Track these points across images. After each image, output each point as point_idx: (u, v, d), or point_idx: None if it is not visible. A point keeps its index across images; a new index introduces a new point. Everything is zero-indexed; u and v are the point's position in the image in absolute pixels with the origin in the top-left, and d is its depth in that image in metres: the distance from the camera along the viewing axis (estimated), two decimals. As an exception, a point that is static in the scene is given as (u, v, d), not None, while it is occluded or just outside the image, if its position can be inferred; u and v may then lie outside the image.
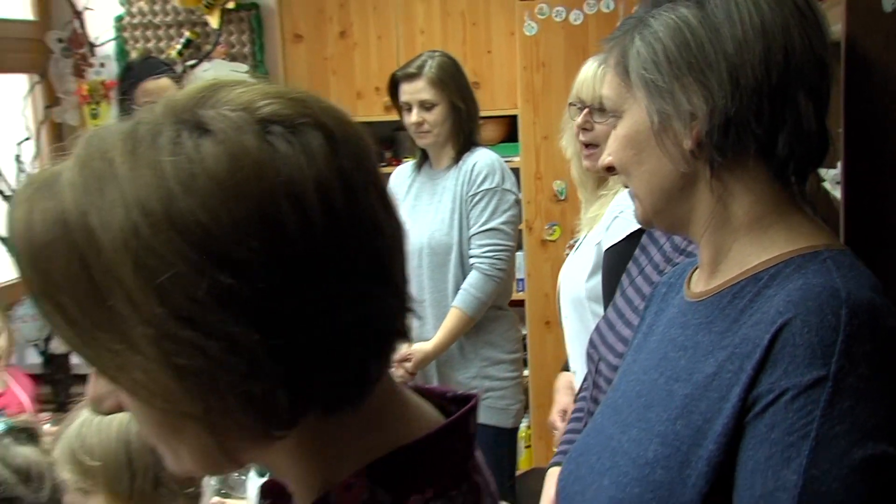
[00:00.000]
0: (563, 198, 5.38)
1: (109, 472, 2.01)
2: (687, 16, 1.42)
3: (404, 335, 0.99)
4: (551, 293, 5.22)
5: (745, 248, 1.46)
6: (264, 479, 1.17)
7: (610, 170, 1.56)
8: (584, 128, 2.93)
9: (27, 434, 1.83)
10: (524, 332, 5.12)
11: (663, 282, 1.73)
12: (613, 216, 2.83)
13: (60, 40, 5.86)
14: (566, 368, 3.21)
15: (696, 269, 1.58)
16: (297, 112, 0.92)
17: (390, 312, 0.97)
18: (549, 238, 5.39)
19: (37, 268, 0.92)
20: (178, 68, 5.56)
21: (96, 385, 1.01)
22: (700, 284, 1.54)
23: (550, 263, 5.36)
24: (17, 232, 0.93)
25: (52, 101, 5.93)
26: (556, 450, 2.65)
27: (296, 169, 0.89)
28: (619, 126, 1.51)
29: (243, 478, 3.31)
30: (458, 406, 1.06)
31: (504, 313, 4.13)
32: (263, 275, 0.87)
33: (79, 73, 5.88)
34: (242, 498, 3.27)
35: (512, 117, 5.49)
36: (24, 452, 1.78)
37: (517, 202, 4.15)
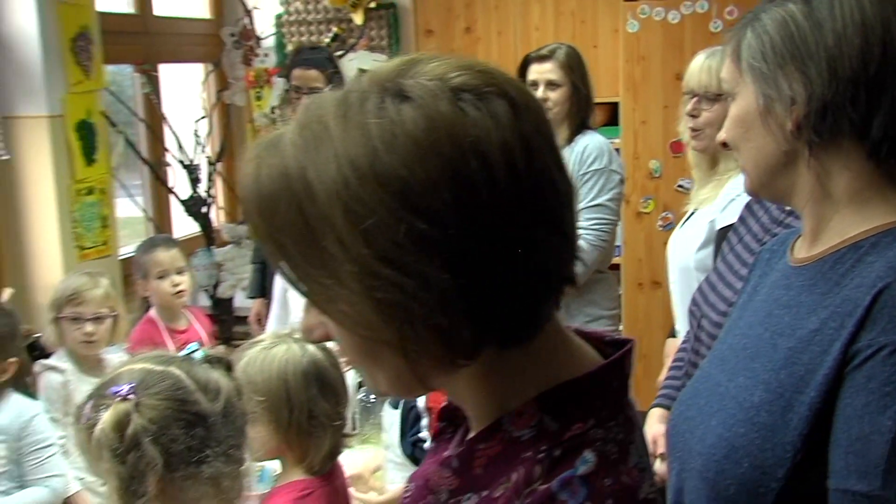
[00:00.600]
0: (657, 175, 5.40)
1: (271, 405, 2.04)
2: (794, 11, 1.42)
3: (572, 280, 0.99)
4: (644, 258, 5.35)
5: (845, 219, 1.45)
6: (444, 405, 1.18)
7: (725, 146, 1.57)
8: (691, 114, 2.91)
9: (222, 364, 1.78)
10: (620, 291, 5.13)
11: (766, 248, 1.71)
12: (730, 199, 2.80)
13: (232, 35, 6.01)
14: (672, 335, 3.15)
15: (799, 237, 1.56)
16: (483, 82, 0.93)
17: (561, 259, 0.97)
18: (643, 210, 5.41)
19: (263, 215, 0.95)
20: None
21: (308, 318, 1.06)
22: (803, 251, 1.52)
23: (644, 233, 5.43)
24: (247, 185, 0.97)
25: (223, 85, 6.09)
26: (657, 393, 2.64)
27: (483, 131, 0.90)
28: (732, 107, 1.51)
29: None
30: (614, 348, 1.05)
31: (604, 276, 4.13)
32: (453, 222, 0.88)
33: (247, 61, 6.01)
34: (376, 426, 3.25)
35: (614, 104, 5.46)
36: (213, 374, 1.73)
37: (622, 181, 4.12)
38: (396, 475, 2.89)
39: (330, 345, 2.69)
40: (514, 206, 0.90)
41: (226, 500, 1.69)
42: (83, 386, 3.18)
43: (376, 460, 3.01)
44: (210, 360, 1.74)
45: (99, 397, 1.66)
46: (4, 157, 4.27)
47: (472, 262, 0.89)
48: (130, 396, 1.61)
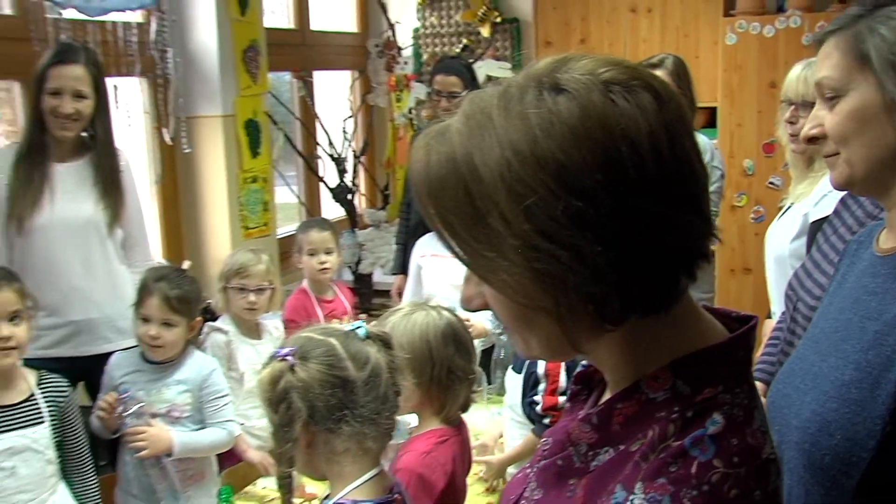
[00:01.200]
0: (750, 173, 5.40)
1: (415, 362, 2.02)
2: None
3: (706, 255, 0.96)
4: (737, 247, 5.36)
5: None
6: (578, 369, 1.16)
7: (811, 141, 1.49)
8: (790, 121, 2.86)
9: (382, 341, 1.76)
10: (715, 275, 5.09)
11: (854, 240, 1.65)
12: (822, 194, 2.77)
13: (377, 45, 6.15)
14: (769, 316, 3.08)
15: (884, 229, 1.50)
16: (630, 76, 0.92)
17: (699, 235, 0.95)
18: (737, 204, 5.41)
19: (432, 196, 0.95)
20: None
21: (467, 289, 1.05)
22: (889, 242, 1.47)
23: (737, 225, 5.44)
24: (417, 170, 0.96)
25: (368, 89, 6.22)
26: (754, 368, 2.49)
27: (632, 120, 0.89)
28: (841, 102, 1.40)
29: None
30: (738, 323, 1.03)
31: (704, 262, 4.15)
32: (605, 201, 0.87)
33: (388, 68, 6.11)
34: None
35: (712, 108, 5.45)
36: (367, 348, 1.71)
37: (722, 176, 4.10)
38: (515, 432, 2.95)
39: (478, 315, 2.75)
40: (659, 186, 0.89)
41: (368, 457, 1.71)
42: (242, 346, 3.37)
43: (498, 427, 3.09)
44: (371, 336, 1.74)
45: (271, 357, 1.72)
46: (186, 150, 4.46)
47: (622, 236, 0.88)
48: (288, 358, 1.66)
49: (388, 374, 1.72)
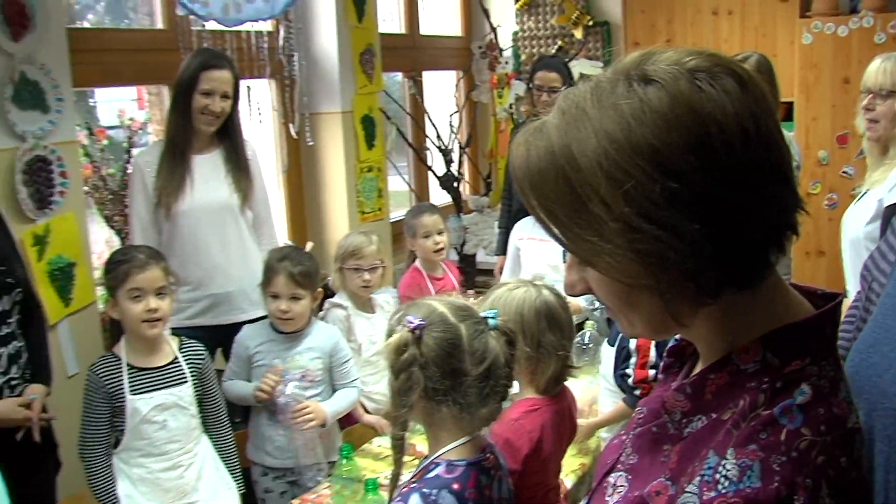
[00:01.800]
0: (825, 163, 5.28)
1: None
2: None
3: (795, 228, 0.93)
4: (811, 232, 5.20)
5: None
6: (671, 343, 1.13)
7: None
8: (867, 108, 2.87)
9: (506, 336, 1.69)
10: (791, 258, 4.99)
11: None
12: None
13: (480, 47, 6.18)
14: (845, 295, 2.94)
15: None
16: (713, 64, 0.90)
17: (787, 210, 0.92)
18: (812, 192, 5.28)
19: (534, 189, 0.92)
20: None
21: (570, 275, 1.01)
22: None
23: (812, 211, 5.17)
24: (518, 165, 0.93)
25: (472, 87, 6.23)
26: None
27: (718, 104, 0.86)
28: None
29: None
30: (823, 300, 0.99)
31: (782, 245, 4.01)
32: (699, 181, 0.85)
33: (491, 67, 6.14)
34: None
35: (789, 103, 5.36)
36: (491, 343, 1.65)
37: (798, 167, 3.98)
38: (608, 400, 2.92)
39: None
40: (748, 164, 0.86)
41: (464, 429, 1.68)
42: (359, 319, 3.38)
43: (591, 392, 3.05)
44: (500, 329, 1.69)
45: (401, 316, 1.66)
46: (310, 143, 4.53)
47: (716, 213, 0.85)
48: (416, 331, 1.61)
49: (504, 369, 1.68)
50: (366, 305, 3.50)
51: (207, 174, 3.38)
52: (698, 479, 0.89)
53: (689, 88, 0.86)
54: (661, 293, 0.90)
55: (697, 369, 1.02)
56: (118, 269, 2.64)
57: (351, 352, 3.19)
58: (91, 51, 3.61)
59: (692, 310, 0.92)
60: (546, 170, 0.91)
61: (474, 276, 5.71)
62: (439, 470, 1.64)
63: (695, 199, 0.85)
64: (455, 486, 1.60)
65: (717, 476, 0.87)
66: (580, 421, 2.68)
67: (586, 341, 3.26)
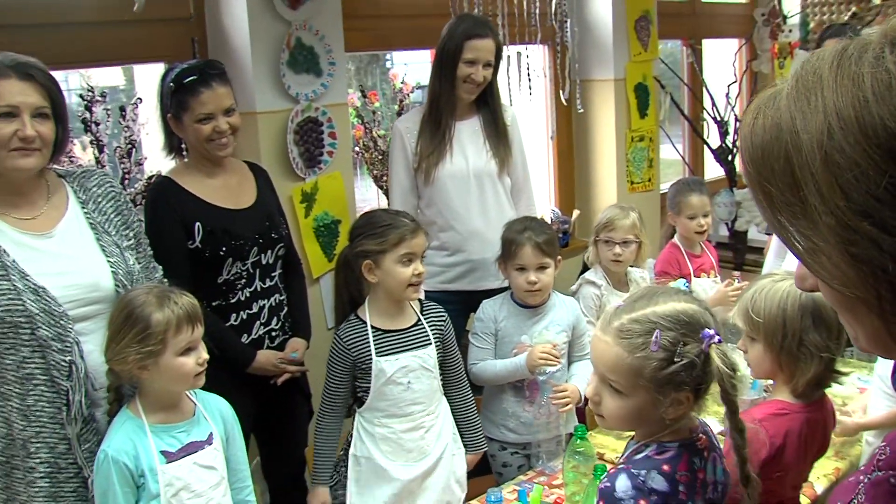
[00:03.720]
0: None
1: (769, 328, 1.84)
2: None
3: None
4: None
5: None
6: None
7: None
8: None
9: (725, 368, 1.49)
10: None
11: None
12: None
13: (763, 14, 5.57)
14: None
15: None
16: None
17: None
18: None
19: (755, 163, 0.78)
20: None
21: (800, 268, 0.83)
22: None
23: None
24: (744, 134, 0.80)
25: (752, 56, 5.70)
26: None
27: None
28: None
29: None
30: None
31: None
32: None
33: (773, 36, 5.55)
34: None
35: None
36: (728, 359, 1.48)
37: None
38: (881, 402, 2.47)
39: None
40: None
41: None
42: (612, 298, 3.04)
43: (863, 400, 2.60)
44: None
45: (687, 331, 1.47)
46: (580, 110, 4.26)
47: None
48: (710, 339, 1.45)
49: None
50: (620, 282, 3.16)
51: (466, 140, 3.18)
52: None
53: None
54: (880, 311, 0.71)
55: None
56: (390, 232, 2.44)
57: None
58: (363, 17, 3.51)
59: None
60: (770, 144, 0.74)
61: (744, 253, 5.29)
62: (649, 451, 1.52)
63: None
64: (665, 468, 1.47)
65: None
66: (843, 418, 2.37)
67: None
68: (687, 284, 3.27)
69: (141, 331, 1.89)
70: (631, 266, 3.17)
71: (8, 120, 1.88)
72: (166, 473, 1.92)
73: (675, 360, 1.43)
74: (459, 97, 3.12)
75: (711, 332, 1.45)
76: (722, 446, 1.62)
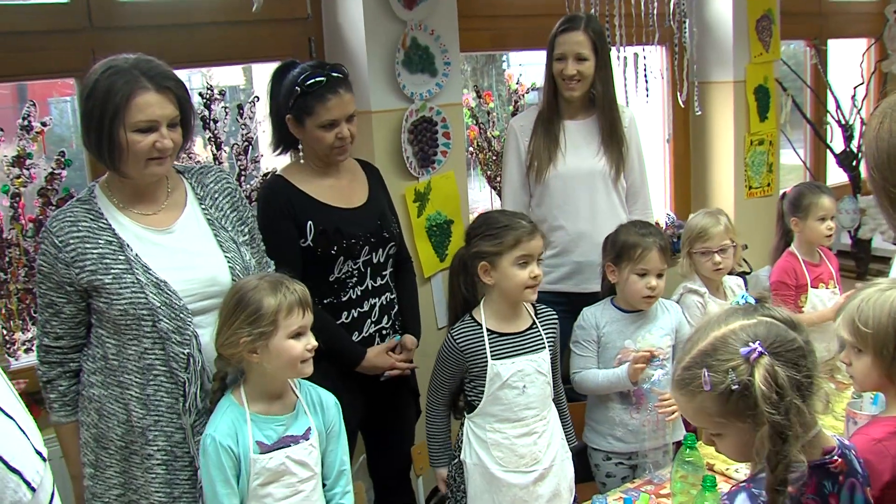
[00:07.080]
0: None
1: (877, 337, 1.70)
2: None
3: None
4: None
5: None
6: None
7: None
8: None
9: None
10: None
11: None
12: None
13: (895, 11, 5.18)
14: None
15: None
16: None
17: None
18: None
19: (880, 167, 0.77)
20: None
21: None
22: None
23: None
24: (869, 138, 0.77)
25: (882, 56, 5.35)
26: None
27: None
28: None
29: None
30: None
31: None
32: None
33: None
34: None
35: None
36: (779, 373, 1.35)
37: None
38: None
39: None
40: None
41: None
42: (712, 305, 2.91)
43: None
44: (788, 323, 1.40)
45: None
46: (698, 113, 4.07)
47: None
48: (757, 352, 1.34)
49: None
50: (718, 290, 2.97)
51: (579, 141, 3.05)
52: None
53: None
54: None
55: None
56: (506, 234, 2.33)
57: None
58: (479, 17, 3.44)
59: None
60: (892, 149, 0.75)
61: (867, 262, 4.95)
62: None
63: None
64: (790, 490, 1.32)
65: None
66: None
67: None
68: (747, 298, 3.08)
69: (252, 313, 1.87)
70: (728, 272, 3.00)
71: (148, 133, 1.87)
72: (256, 463, 1.90)
73: (733, 387, 1.35)
74: (562, 95, 3.01)
75: (752, 346, 1.35)
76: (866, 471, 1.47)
